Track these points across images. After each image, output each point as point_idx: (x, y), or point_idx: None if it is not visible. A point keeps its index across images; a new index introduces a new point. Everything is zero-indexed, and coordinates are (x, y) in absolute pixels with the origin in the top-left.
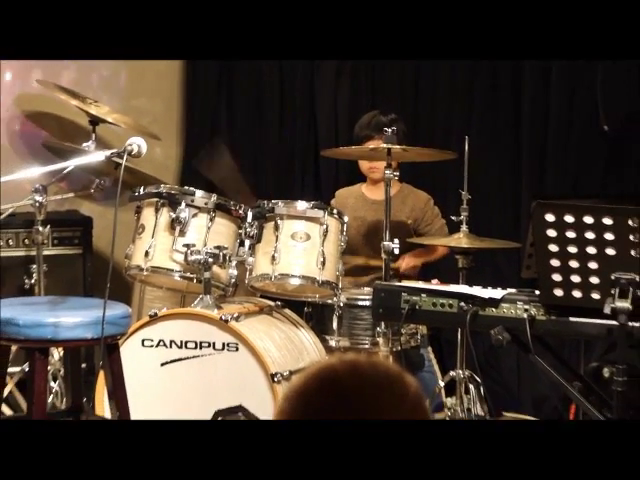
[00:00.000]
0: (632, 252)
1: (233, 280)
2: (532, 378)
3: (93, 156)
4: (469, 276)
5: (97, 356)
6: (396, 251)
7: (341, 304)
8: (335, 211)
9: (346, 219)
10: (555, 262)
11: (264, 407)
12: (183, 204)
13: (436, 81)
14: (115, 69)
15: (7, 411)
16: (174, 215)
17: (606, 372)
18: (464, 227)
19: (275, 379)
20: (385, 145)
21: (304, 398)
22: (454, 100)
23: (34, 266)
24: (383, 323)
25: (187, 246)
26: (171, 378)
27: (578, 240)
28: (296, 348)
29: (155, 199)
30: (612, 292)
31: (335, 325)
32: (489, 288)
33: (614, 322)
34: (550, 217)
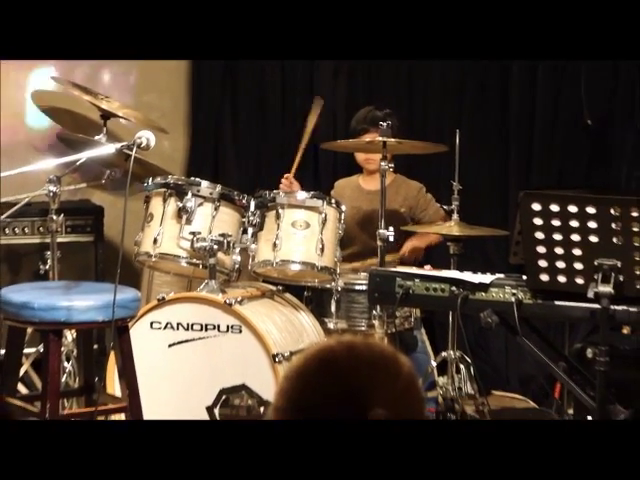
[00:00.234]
0: (614, 239)
1: (237, 266)
2: (519, 358)
3: (104, 149)
4: (460, 262)
5: (108, 338)
6: (391, 238)
7: (339, 288)
8: (333, 201)
9: (344, 208)
10: (541, 249)
11: (266, 386)
12: (189, 194)
13: (428, 80)
14: (126, 67)
15: (23, 389)
16: (181, 204)
17: (589, 353)
18: (455, 216)
19: (276, 359)
20: (381, 138)
21: (304, 377)
22: (446, 97)
23: (48, 253)
24: (378, 306)
25: (193, 234)
26: (178, 358)
27: (563, 228)
28: (296, 330)
29: (163, 189)
30: (595, 277)
31: (333, 308)
32: (479, 273)
33: (597, 305)
34: (536, 206)
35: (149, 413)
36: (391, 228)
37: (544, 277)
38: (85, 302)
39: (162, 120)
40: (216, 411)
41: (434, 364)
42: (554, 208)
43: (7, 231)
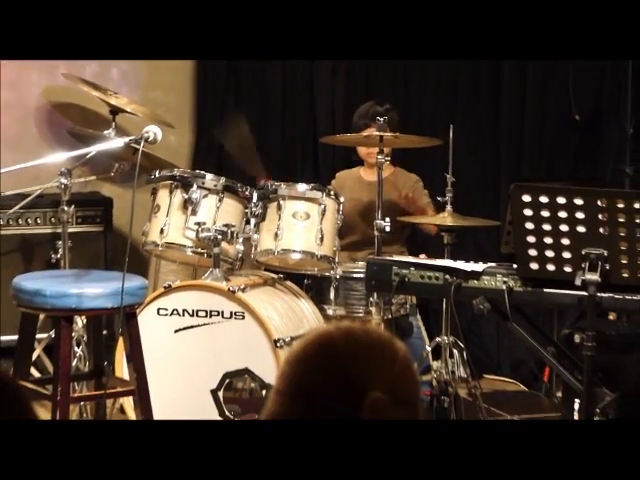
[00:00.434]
0: (600, 230)
1: (240, 255)
2: (510, 344)
3: (113, 142)
4: (453, 251)
5: (117, 324)
6: (387, 229)
7: (338, 276)
8: (332, 192)
9: (342, 200)
10: (531, 238)
11: (268, 370)
12: (195, 186)
13: (423, 79)
14: (134, 64)
15: (35, 373)
16: (186, 196)
17: (577, 338)
18: (449, 207)
19: (278, 344)
20: (377, 133)
21: (304, 361)
22: (440, 95)
23: (60, 242)
24: (376, 294)
25: (198, 224)
26: (183, 344)
27: (552, 219)
28: (297, 316)
29: (169, 181)
30: (582, 266)
31: (332, 295)
32: (471, 262)
33: (584, 293)
34: (526, 198)
35: (156, 396)
36: (387, 219)
37: (534, 265)
38: (95, 290)
39: (168, 115)
40: (220, 394)
41: (429, 349)
42: (543, 199)
43: (20, 222)
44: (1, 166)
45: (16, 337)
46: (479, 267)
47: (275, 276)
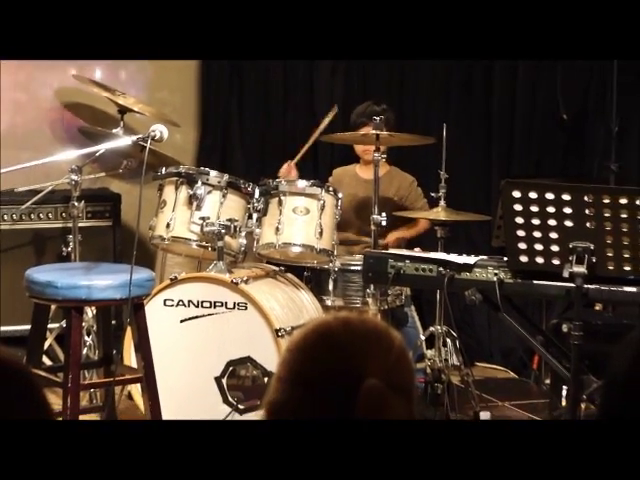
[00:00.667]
0: (587, 224)
1: (243, 248)
2: (501, 333)
3: (121, 141)
4: (446, 245)
5: (125, 314)
6: (383, 223)
7: (336, 269)
8: (331, 188)
9: (340, 195)
10: (521, 232)
11: (269, 358)
12: (199, 182)
13: (418, 79)
14: (141, 66)
15: (47, 361)
16: (192, 192)
17: (565, 328)
18: (442, 202)
19: (279, 334)
20: (373, 131)
21: (303, 350)
22: (434, 94)
23: (70, 236)
24: (372, 285)
25: (203, 219)
26: (189, 333)
27: (541, 213)
28: (297, 307)
29: (175, 178)
30: (570, 259)
31: (331, 287)
32: (464, 255)
33: (572, 284)
34: (517, 193)
35: (162, 383)
36: (384, 214)
37: (523, 258)
38: (104, 281)
39: (174, 114)
40: (224, 381)
41: (423, 338)
42: (533, 195)
43: (33, 216)
44: (15, 163)
45: (29, 327)
46: (471, 260)
47: (276, 268)
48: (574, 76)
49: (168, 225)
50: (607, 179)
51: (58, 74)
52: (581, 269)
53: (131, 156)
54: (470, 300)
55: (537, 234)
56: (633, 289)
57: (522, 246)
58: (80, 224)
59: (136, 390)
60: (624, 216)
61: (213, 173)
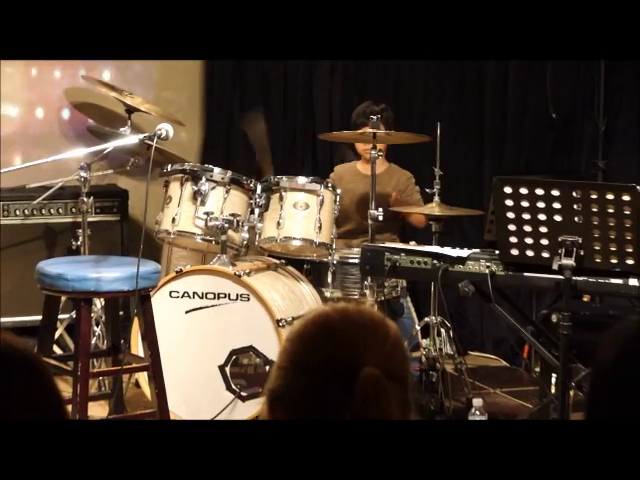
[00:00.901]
0: (575, 218)
1: (245, 242)
2: (492, 323)
3: (129, 139)
4: (441, 239)
5: (132, 305)
6: (380, 218)
7: (335, 262)
8: (330, 185)
9: (339, 191)
10: (512, 227)
11: (271, 347)
12: (204, 179)
13: (413, 78)
14: (147, 67)
15: (58, 350)
16: (196, 188)
17: (554, 318)
18: (436, 198)
19: (280, 324)
20: (371, 130)
21: (303, 339)
22: (428, 94)
23: (80, 231)
24: (369, 277)
25: (207, 214)
26: (194, 323)
27: (531, 208)
28: (297, 298)
29: (180, 175)
30: (559, 252)
31: (330, 279)
32: (457, 248)
33: (560, 277)
34: (508, 189)
35: (168, 371)
36: (380, 209)
37: (514, 251)
38: (112, 274)
39: (179, 114)
40: (227, 369)
41: (418, 328)
42: (523, 191)
43: (44, 212)
44: (26, 161)
45: (40, 317)
46: (464, 253)
47: (277, 261)
48: (563, 76)
49: (174, 220)
50: (594, 176)
51: (68, 75)
52: (569, 262)
53: (138, 154)
54: (463, 292)
55: (527, 228)
56: (619, 281)
57: (513, 240)
58: (89, 219)
59: (143, 378)
60: (611, 211)
61: (217, 170)
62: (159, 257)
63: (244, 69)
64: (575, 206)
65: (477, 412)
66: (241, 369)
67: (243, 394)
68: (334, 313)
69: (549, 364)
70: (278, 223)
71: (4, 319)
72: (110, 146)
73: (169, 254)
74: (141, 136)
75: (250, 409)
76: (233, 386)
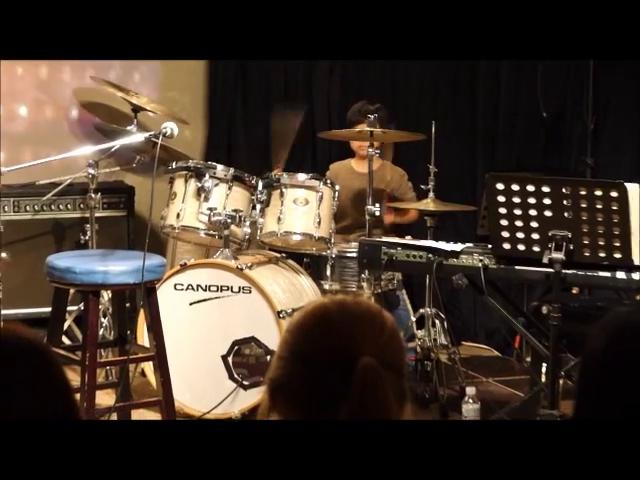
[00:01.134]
0: (565, 214)
1: (247, 236)
2: (485, 314)
3: (135, 137)
4: (435, 233)
5: (138, 297)
6: (377, 213)
7: (333, 255)
8: (329, 181)
9: (337, 188)
10: (504, 222)
11: (272, 338)
12: (207, 176)
13: (408, 77)
14: (153, 68)
15: (67, 341)
16: (200, 184)
17: (544, 309)
18: (431, 194)
19: (280, 315)
20: (368, 128)
21: (302, 330)
22: (423, 94)
23: (88, 226)
24: (367, 271)
25: (210, 209)
26: (197, 315)
27: (522, 204)
28: (297, 291)
29: (185, 172)
30: (549, 246)
31: (328, 272)
32: (451, 243)
33: (551, 270)
34: (500, 186)
35: (173, 361)
36: (377, 204)
37: (506, 246)
38: (119, 267)
39: (183, 113)
40: (230, 359)
41: (413, 319)
42: (515, 187)
43: (53, 207)
44: (36, 158)
45: (49, 309)
46: (458, 247)
47: (278, 255)
48: (553, 77)
49: (178, 215)
50: (583, 172)
51: (76, 75)
52: (559, 255)
53: (144, 151)
54: (457, 284)
55: (519, 223)
56: (607, 274)
57: (505, 234)
58: (97, 214)
59: (149, 367)
60: (599, 207)
61: (220, 167)
62: (164, 251)
63: (246, 70)
64: (565, 202)
65: (470, 400)
66: (243, 359)
67: (245, 383)
68: (332, 305)
69: (539, 354)
70: (279, 218)
71: (15, 311)
72: (117, 144)
73: (174, 248)
74: (147, 134)
75: (252, 397)
76: (235, 375)
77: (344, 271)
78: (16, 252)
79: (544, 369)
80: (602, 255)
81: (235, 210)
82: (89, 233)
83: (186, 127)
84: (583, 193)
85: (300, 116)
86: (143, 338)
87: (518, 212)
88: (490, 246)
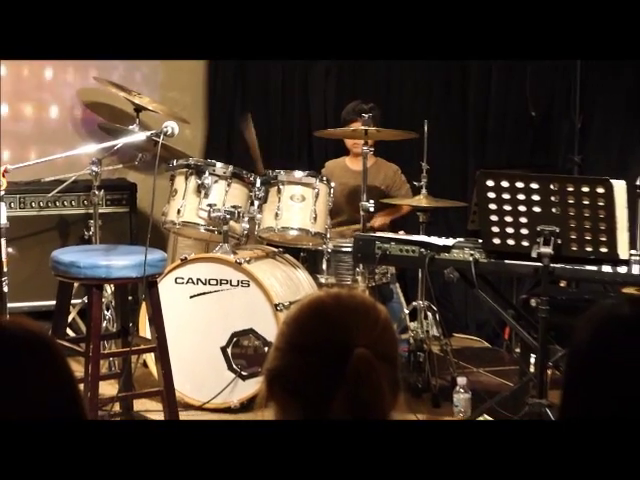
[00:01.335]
0: (553, 210)
1: (245, 232)
2: (476, 307)
3: (137, 136)
4: (427, 228)
5: (140, 291)
6: (371, 209)
7: (329, 250)
8: (325, 178)
9: (333, 184)
10: (494, 217)
11: (269, 330)
12: (207, 173)
13: (402, 78)
14: (154, 69)
15: (71, 333)
16: (200, 181)
17: (533, 302)
18: (424, 190)
19: (278, 308)
20: (362, 127)
21: (299, 322)
22: (416, 93)
23: (92, 221)
24: (361, 265)
25: (210, 205)
26: (197, 308)
27: (511, 200)
28: (294, 284)
29: (185, 169)
30: (538, 240)
31: (324, 266)
32: (443, 238)
33: (539, 264)
34: (490, 182)
35: (174, 352)
36: (371, 201)
37: (496, 240)
38: (121, 262)
39: (184, 112)
40: (229, 350)
41: (406, 312)
42: (504, 184)
43: (58, 204)
44: (41, 157)
45: (54, 302)
46: (449, 242)
47: (275, 250)
48: (541, 77)
49: (179, 211)
50: (571, 170)
51: (80, 76)
52: (548, 250)
53: (146, 150)
54: (449, 278)
55: (508, 219)
56: (594, 267)
57: (495, 229)
58: (100, 210)
59: (150, 359)
60: (586, 202)
61: (219, 165)
62: (165, 246)
63: (245, 71)
64: (553, 198)
65: (461, 390)
66: (242, 350)
67: (243, 373)
68: (328, 298)
69: (528, 345)
70: (276, 214)
71: (21, 304)
72: (120, 142)
73: (174, 243)
74: (148, 133)
75: (250, 387)
76: (234, 366)
77: (339, 265)
78: (22, 247)
79: (533, 360)
80: (589, 249)
81: (234, 206)
82: (93, 229)
83: (186, 126)
84: (570, 189)
85: (248, 119)
86: (145, 330)
87: (508, 208)
88: (480, 241)
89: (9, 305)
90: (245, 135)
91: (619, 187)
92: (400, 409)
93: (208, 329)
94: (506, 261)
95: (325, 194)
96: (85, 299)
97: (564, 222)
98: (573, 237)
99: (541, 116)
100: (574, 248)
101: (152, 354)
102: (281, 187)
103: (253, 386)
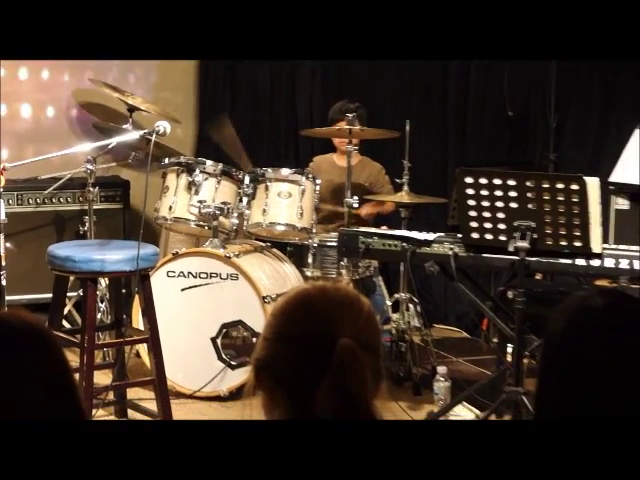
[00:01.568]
0: (529, 205)
1: (234, 227)
2: (455, 299)
3: (130, 135)
4: (409, 224)
5: (133, 284)
6: (355, 205)
7: (315, 244)
8: (311, 176)
9: (318, 182)
10: (472, 213)
11: (257, 321)
12: (197, 170)
13: (385, 79)
14: (147, 70)
15: (66, 325)
16: (191, 179)
17: (510, 294)
18: (405, 187)
19: (265, 300)
20: (347, 126)
21: (286, 314)
22: (398, 92)
23: (86, 217)
24: (346, 258)
25: (200, 202)
26: (188, 300)
27: (489, 197)
28: (281, 277)
29: (176, 167)
30: (514, 235)
31: (310, 260)
32: (424, 232)
33: (516, 257)
34: (469, 179)
35: (166, 343)
36: (355, 197)
37: (475, 235)
38: (115, 256)
39: (176, 112)
40: (218, 341)
41: (389, 303)
42: (483, 181)
43: (54, 200)
44: (38, 155)
45: (50, 295)
46: (430, 236)
47: (263, 244)
48: (518, 78)
49: (170, 207)
50: (547, 167)
51: (75, 77)
52: (524, 244)
53: (139, 148)
54: (429, 271)
55: (486, 214)
56: (568, 261)
57: (474, 225)
58: (95, 207)
59: (143, 349)
60: (560, 198)
61: (209, 163)
62: (157, 241)
63: (234, 72)
64: (529, 194)
65: (441, 378)
66: (231, 341)
67: (233, 363)
68: (313, 290)
69: (505, 335)
70: (264, 210)
71: (19, 297)
72: (113, 141)
73: (166, 238)
74: (141, 132)
75: (239, 377)
76: (224, 356)
77: (325, 259)
78: (20, 242)
79: (510, 349)
80: (563, 244)
81: (223, 203)
82: (87, 224)
83: (178, 125)
84: (546, 186)
85: (225, 119)
86: (138, 322)
87: (486, 204)
88: (460, 235)
89: (7, 298)
90: (224, 135)
91: (592, 184)
92: (382, 397)
93: (199, 321)
94: (484, 255)
95: (311, 191)
96: (80, 292)
97: (540, 217)
98: (548, 232)
99: (518, 115)
100: (549, 242)
101: (145, 345)
102: (269, 184)
103: (242, 375)
